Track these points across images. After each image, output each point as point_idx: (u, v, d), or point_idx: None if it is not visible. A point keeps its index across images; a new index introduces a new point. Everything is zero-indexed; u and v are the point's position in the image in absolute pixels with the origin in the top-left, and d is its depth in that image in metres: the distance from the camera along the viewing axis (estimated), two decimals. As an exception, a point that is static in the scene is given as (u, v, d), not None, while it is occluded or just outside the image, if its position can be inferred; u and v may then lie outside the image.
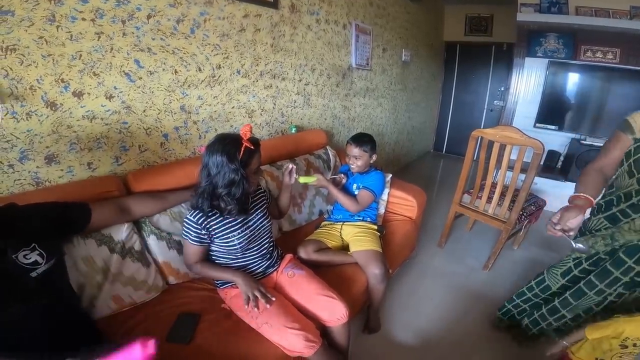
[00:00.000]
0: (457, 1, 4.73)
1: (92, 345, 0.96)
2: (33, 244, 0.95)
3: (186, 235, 1.25)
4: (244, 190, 1.20)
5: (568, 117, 3.24)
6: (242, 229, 1.29)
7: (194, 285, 1.48)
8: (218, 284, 1.38)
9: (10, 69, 1.13)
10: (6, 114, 1.15)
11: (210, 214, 1.23)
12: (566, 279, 1.43)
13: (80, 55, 1.29)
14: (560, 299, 1.43)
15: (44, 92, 1.23)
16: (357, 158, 1.78)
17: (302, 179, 1.59)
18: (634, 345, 1.12)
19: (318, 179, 1.64)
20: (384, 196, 2.10)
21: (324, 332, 1.28)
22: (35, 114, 1.22)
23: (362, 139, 1.79)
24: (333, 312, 1.30)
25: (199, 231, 1.23)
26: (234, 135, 1.19)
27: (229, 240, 1.27)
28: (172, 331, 1.20)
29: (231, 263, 1.34)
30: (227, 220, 1.26)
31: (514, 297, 1.69)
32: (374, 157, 1.83)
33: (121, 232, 1.29)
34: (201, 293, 1.43)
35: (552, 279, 1.49)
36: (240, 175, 1.17)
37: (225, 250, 1.30)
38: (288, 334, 1.15)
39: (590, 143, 2.96)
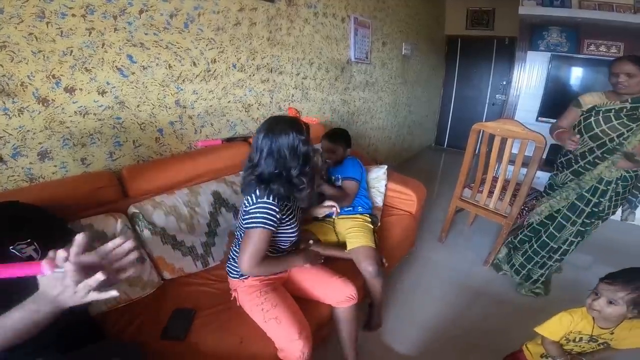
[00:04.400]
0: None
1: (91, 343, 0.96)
2: (29, 239, 0.95)
3: (266, 223, 1.11)
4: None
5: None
6: (296, 219, 1.26)
7: (190, 281, 1.47)
8: (232, 273, 1.30)
9: (1, 65, 1.12)
10: (-3, 110, 1.15)
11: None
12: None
13: (71, 51, 1.28)
14: (547, 232, 1.90)
15: (35, 88, 1.22)
16: (330, 152, 1.82)
17: None
18: (575, 340, 1.15)
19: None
20: (381, 189, 2.07)
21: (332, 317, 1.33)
22: (27, 110, 1.21)
23: (335, 135, 1.85)
24: (344, 291, 1.33)
25: (277, 215, 1.13)
26: (285, 116, 1.21)
27: (288, 230, 1.23)
28: (167, 327, 1.20)
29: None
30: (287, 209, 1.21)
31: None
32: (349, 151, 1.87)
33: (115, 227, 1.28)
34: (197, 288, 1.43)
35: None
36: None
37: (275, 245, 1.26)
38: (291, 342, 1.13)
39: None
